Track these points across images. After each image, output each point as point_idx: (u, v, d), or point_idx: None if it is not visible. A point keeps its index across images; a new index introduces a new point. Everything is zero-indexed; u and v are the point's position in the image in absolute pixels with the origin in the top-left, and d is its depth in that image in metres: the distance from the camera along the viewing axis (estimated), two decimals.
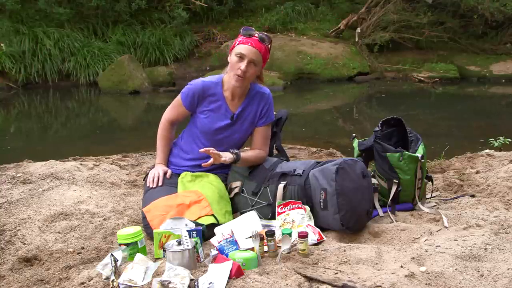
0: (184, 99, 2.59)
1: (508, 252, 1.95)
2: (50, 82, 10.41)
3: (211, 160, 2.39)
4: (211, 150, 2.37)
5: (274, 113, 2.76)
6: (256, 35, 2.45)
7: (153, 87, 10.11)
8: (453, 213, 2.51)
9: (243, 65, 2.41)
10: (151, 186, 2.55)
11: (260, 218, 2.37)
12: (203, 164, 2.43)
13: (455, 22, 11.95)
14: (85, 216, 2.58)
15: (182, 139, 2.71)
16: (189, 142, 2.66)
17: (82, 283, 1.88)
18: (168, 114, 2.68)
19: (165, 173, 2.61)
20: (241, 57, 2.42)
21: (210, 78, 2.62)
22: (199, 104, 2.58)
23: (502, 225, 2.25)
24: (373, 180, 2.61)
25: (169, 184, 2.55)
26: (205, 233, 2.19)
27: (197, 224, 2.21)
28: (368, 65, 11.36)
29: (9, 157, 4.32)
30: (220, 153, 2.41)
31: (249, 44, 2.42)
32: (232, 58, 2.47)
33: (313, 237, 2.19)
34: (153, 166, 2.72)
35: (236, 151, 2.48)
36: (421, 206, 2.64)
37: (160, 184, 2.54)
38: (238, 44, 2.45)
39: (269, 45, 2.50)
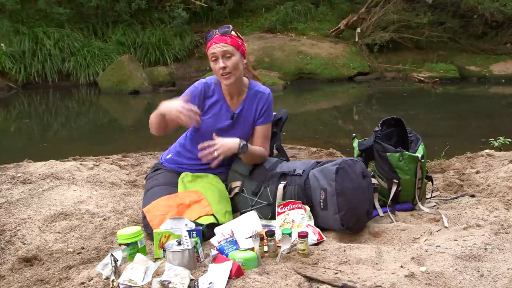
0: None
1: (508, 252, 1.95)
2: (50, 82, 10.42)
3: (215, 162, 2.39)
4: (209, 146, 2.38)
5: (274, 113, 2.76)
6: (216, 31, 2.51)
7: (153, 87, 10.11)
8: (453, 213, 2.51)
9: (219, 63, 2.45)
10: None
11: (260, 218, 2.37)
12: (212, 165, 2.42)
13: (455, 22, 11.97)
14: (85, 216, 2.58)
15: (186, 138, 2.71)
16: (192, 142, 2.65)
17: (82, 283, 1.88)
18: None
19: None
20: (214, 58, 2.48)
21: (210, 78, 2.63)
22: (202, 106, 2.57)
23: (502, 225, 2.25)
24: (373, 180, 2.61)
25: (169, 184, 2.55)
26: (205, 233, 2.19)
27: (197, 224, 2.21)
28: (368, 65, 11.37)
29: (9, 157, 4.32)
30: (222, 140, 2.40)
31: (214, 43, 2.48)
32: (210, 64, 2.53)
33: (313, 237, 2.18)
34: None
35: (244, 141, 2.46)
36: (421, 206, 2.63)
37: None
38: (207, 50, 2.52)
39: (232, 32, 2.51)
